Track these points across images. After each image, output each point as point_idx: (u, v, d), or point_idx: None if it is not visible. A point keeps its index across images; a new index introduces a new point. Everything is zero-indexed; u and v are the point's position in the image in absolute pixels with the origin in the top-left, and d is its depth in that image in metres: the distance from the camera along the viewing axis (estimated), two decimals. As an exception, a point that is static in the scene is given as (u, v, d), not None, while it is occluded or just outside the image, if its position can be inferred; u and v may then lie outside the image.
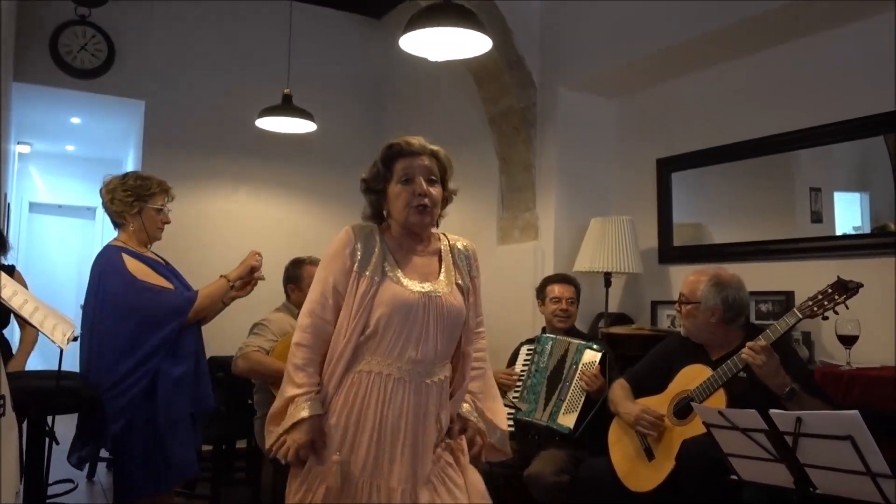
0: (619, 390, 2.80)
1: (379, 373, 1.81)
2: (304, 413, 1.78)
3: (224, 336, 3.07)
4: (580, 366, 3.08)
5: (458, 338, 1.95)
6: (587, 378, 3.00)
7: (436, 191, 1.91)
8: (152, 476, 2.55)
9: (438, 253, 1.99)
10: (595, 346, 3.13)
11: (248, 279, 2.79)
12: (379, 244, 1.91)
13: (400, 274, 1.88)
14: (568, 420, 3.00)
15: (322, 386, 1.85)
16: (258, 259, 2.79)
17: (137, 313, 2.53)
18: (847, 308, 2.32)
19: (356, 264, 1.87)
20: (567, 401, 3.05)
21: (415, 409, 1.81)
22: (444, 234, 2.05)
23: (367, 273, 1.86)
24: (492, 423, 1.99)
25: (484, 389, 2.02)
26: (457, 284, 1.94)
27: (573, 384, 3.06)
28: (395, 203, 1.91)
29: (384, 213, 1.98)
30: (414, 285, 1.86)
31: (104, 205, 2.72)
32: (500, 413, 2.04)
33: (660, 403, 2.63)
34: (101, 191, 2.73)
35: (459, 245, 2.03)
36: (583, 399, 3.01)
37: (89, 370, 2.60)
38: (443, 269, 1.95)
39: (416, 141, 1.94)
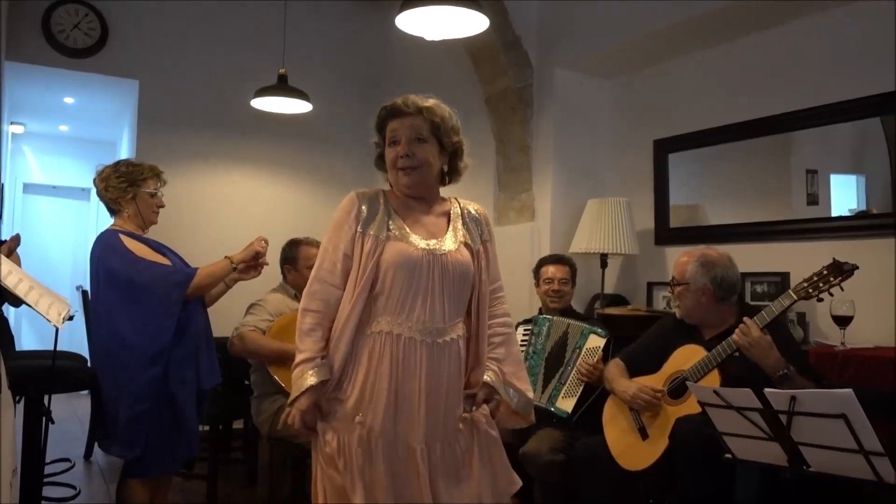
0: (615, 368, 2.82)
1: (390, 332, 1.80)
2: (311, 381, 1.77)
3: (221, 316, 3.07)
4: (583, 350, 3.08)
5: (469, 298, 1.92)
6: (588, 367, 2.98)
7: (423, 149, 1.89)
8: (164, 454, 2.59)
9: (447, 214, 1.98)
10: (600, 332, 3.10)
11: (252, 263, 2.81)
12: (383, 205, 1.92)
13: (406, 231, 1.88)
14: (566, 404, 3.01)
15: (329, 351, 1.84)
16: (264, 245, 2.82)
17: (139, 289, 2.56)
18: (842, 290, 2.33)
19: (360, 224, 1.88)
20: (567, 385, 3.05)
21: (428, 368, 1.79)
22: (456, 199, 2.04)
23: (372, 232, 1.86)
24: (516, 388, 1.96)
25: (508, 356, 1.98)
26: (465, 244, 1.92)
27: (574, 368, 3.06)
28: (388, 164, 1.94)
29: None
30: (419, 241, 1.86)
31: (99, 193, 2.76)
32: (525, 379, 2.01)
33: (654, 383, 2.64)
34: (94, 180, 2.77)
35: (471, 208, 2.03)
36: (582, 385, 3.01)
37: (100, 352, 2.62)
38: (450, 228, 1.94)
39: (408, 100, 1.91)
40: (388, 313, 1.81)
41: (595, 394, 2.94)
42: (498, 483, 1.90)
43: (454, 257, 1.87)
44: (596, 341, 3.08)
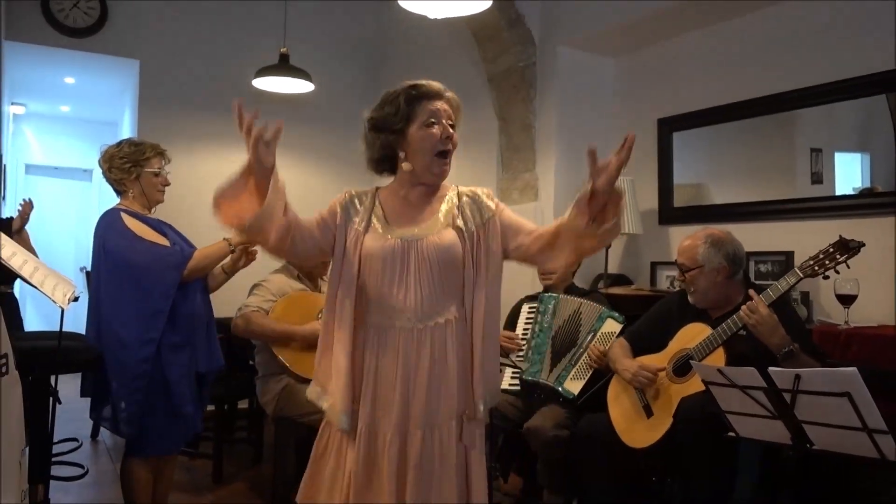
0: (618, 348, 2.82)
1: (373, 324, 1.81)
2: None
3: (224, 297, 3.08)
4: (598, 334, 3.08)
5: (460, 278, 1.83)
6: (598, 354, 2.97)
7: (455, 137, 1.87)
8: (160, 434, 2.63)
9: (441, 200, 1.91)
10: (617, 316, 3.09)
11: (250, 245, 2.81)
12: (370, 198, 1.89)
13: (384, 223, 1.85)
14: (574, 386, 3.02)
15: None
16: None
17: (137, 269, 2.58)
18: (848, 267, 2.32)
19: (341, 212, 1.87)
20: (577, 367, 3.06)
21: (405, 355, 1.77)
22: (455, 186, 1.96)
23: (355, 223, 1.85)
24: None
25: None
26: (453, 227, 1.85)
27: (586, 352, 3.06)
28: (419, 146, 1.84)
29: (399, 155, 1.87)
30: (394, 232, 1.83)
31: (104, 174, 2.77)
32: None
33: (659, 362, 2.65)
34: (98, 162, 2.78)
35: (470, 190, 1.94)
36: (592, 370, 3.01)
37: (98, 330, 2.64)
38: (440, 212, 1.88)
39: (437, 84, 1.88)
40: (372, 305, 1.82)
41: (604, 380, 2.93)
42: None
43: (432, 241, 1.81)
44: (612, 326, 3.07)
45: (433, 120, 1.83)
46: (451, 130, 1.84)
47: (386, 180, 1.99)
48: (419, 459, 1.74)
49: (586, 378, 3.02)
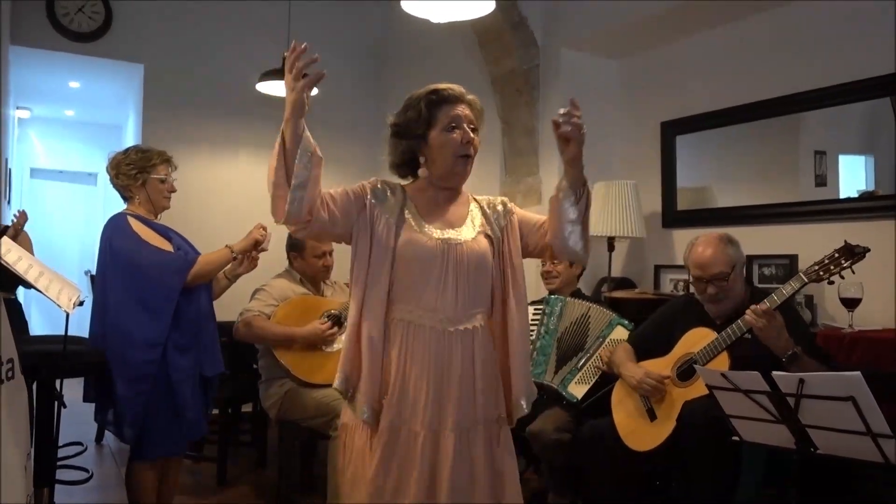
0: (623, 352, 2.82)
1: (402, 319, 1.80)
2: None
3: (226, 302, 3.09)
4: (607, 340, 3.08)
5: (489, 287, 1.87)
6: (605, 360, 2.97)
7: (476, 141, 1.89)
8: (164, 437, 2.64)
9: (467, 205, 1.94)
10: (626, 323, 3.10)
11: (251, 252, 2.84)
12: (400, 193, 1.89)
13: (421, 221, 1.85)
14: (578, 390, 3.02)
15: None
16: (263, 233, 2.83)
17: (141, 272, 2.61)
18: (853, 272, 2.32)
19: (371, 195, 1.85)
20: (583, 371, 3.06)
21: (437, 357, 1.77)
22: (469, 193, 1.98)
23: (385, 213, 1.83)
24: None
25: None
26: (484, 234, 1.88)
27: (594, 357, 3.06)
28: (439, 151, 1.85)
29: (420, 160, 1.89)
30: (434, 232, 1.84)
31: (111, 181, 2.81)
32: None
33: (664, 366, 2.65)
34: (106, 168, 2.82)
35: (489, 199, 1.98)
36: (598, 374, 3.02)
37: (104, 331, 2.66)
38: (469, 218, 1.90)
39: (459, 88, 1.90)
40: (404, 301, 1.81)
41: (609, 386, 2.92)
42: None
43: (470, 247, 1.83)
44: (621, 333, 3.07)
45: (454, 124, 1.84)
46: (471, 135, 1.86)
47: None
48: (453, 461, 1.74)
49: (591, 383, 3.01)
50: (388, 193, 1.88)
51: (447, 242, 1.82)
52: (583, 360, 3.08)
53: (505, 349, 1.87)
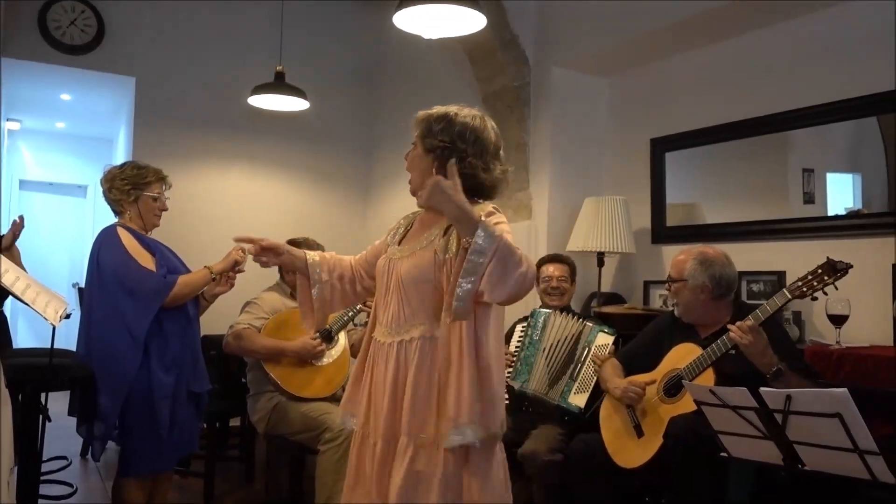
0: (610, 368, 2.83)
1: (374, 337, 1.96)
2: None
3: (216, 315, 3.08)
4: (593, 347, 3.11)
5: (435, 300, 1.81)
6: (601, 359, 3.00)
7: (410, 158, 1.95)
8: (151, 453, 2.62)
9: (443, 222, 1.90)
10: (607, 329, 3.15)
11: (230, 273, 2.85)
12: (410, 220, 2.04)
13: (395, 247, 1.98)
14: (579, 399, 3.03)
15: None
16: (241, 255, 2.83)
17: (125, 288, 2.61)
18: (836, 289, 2.33)
19: (388, 237, 2.05)
20: (578, 381, 3.08)
21: (395, 367, 1.84)
22: (481, 205, 1.87)
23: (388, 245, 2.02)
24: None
25: None
26: (431, 249, 1.84)
27: (585, 365, 3.09)
28: None
29: None
30: (392, 254, 1.95)
31: (104, 194, 2.82)
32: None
33: (650, 381, 2.65)
34: (101, 181, 2.83)
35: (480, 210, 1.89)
36: (594, 381, 3.03)
37: (88, 344, 2.66)
38: (426, 234, 1.89)
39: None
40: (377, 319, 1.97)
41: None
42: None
43: (406, 262, 1.88)
44: (604, 339, 3.12)
45: None
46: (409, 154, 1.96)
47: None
48: (379, 467, 1.82)
49: (590, 389, 3.04)
50: (401, 226, 2.04)
51: (390, 260, 1.93)
52: (576, 371, 3.10)
53: (461, 366, 1.76)
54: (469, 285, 1.62)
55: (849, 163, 3.36)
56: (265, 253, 2.02)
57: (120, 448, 2.70)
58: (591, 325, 3.20)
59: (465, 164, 1.83)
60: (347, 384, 2.03)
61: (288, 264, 2.07)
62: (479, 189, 1.89)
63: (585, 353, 3.12)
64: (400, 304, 1.86)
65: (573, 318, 3.25)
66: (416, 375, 1.80)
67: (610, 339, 3.11)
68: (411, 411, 1.78)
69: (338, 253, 2.16)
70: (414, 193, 1.93)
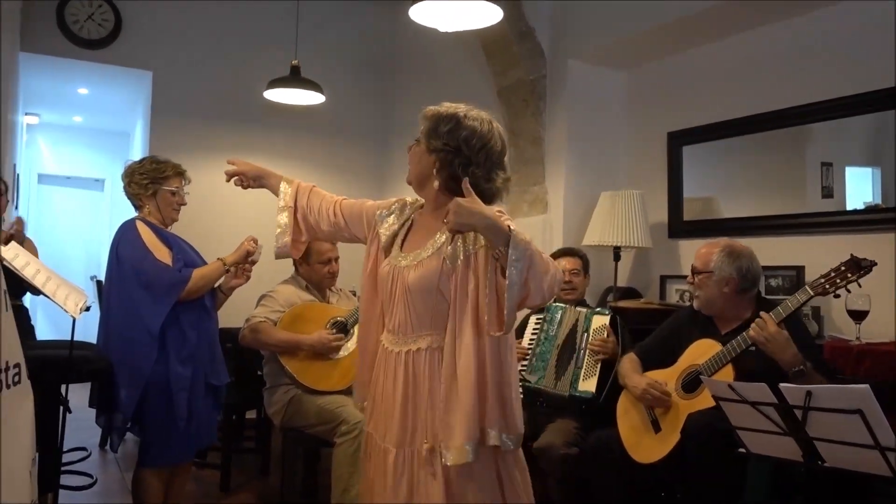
0: (628, 363, 2.82)
1: (380, 341, 1.96)
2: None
3: (232, 308, 3.09)
4: (591, 332, 3.12)
5: (442, 309, 1.80)
6: (599, 343, 3.05)
7: (413, 152, 1.92)
8: (170, 445, 2.65)
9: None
10: (601, 310, 3.18)
11: (243, 264, 2.85)
12: (406, 217, 1.99)
13: (396, 250, 1.95)
14: (588, 385, 3.04)
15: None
16: (253, 245, 2.84)
17: (141, 282, 2.62)
18: (860, 286, 2.31)
19: (379, 215, 2.02)
20: (584, 368, 3.08)
21: (403, 377, 1.84)
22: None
23: (381, 231, 1.99)
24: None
25: None
26: (438, 256, 1.82)
27: (587, 351, 3.10)
28: None
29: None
30: (397, 260, 1.91)
31: (124, 189, 2.84)
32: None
33: (668, 377, 2.64)
34: (121, 176, 2.84)
35: None
36: (599, 364, 3.05)
37: (107, 337, 2.69)
38: (431, 241, 1.86)
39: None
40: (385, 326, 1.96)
41: (614, 370, 2.95)
42: None
43: (412, 271, 1.84)
44: (600, 321, 3.14)
45: None
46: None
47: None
48: (393, 476, 1.81)
49: (597, 373, 3.04)
50: (394, 217, 1.99)
51: (395, 268, 1.89)
52: (579, 358, 3.11)
53: (474, 375, 1.75)
54: (515, 296, 1.59)
55: (868, 156, 3.33)
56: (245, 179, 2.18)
57: (140, 440, 2.72)
58: (584, 310, 3.22)
59: (467, 171, 1.81)
60: (356, 380, 2.05)
61: (262, 181, 2.18)
62: (450, 181, 1.85)
63: (584, 339, 3.13)
64: (407, 312, 1.85)
65: (574, 309, 3.26)
66: (427, 386, 1.80)
67: (605, 320, 3.14)
68: (422, 422, 1.80)
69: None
70: (409, 184, 1.95)
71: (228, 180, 2.20)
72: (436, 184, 1.86)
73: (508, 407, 1.79)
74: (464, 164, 1.81)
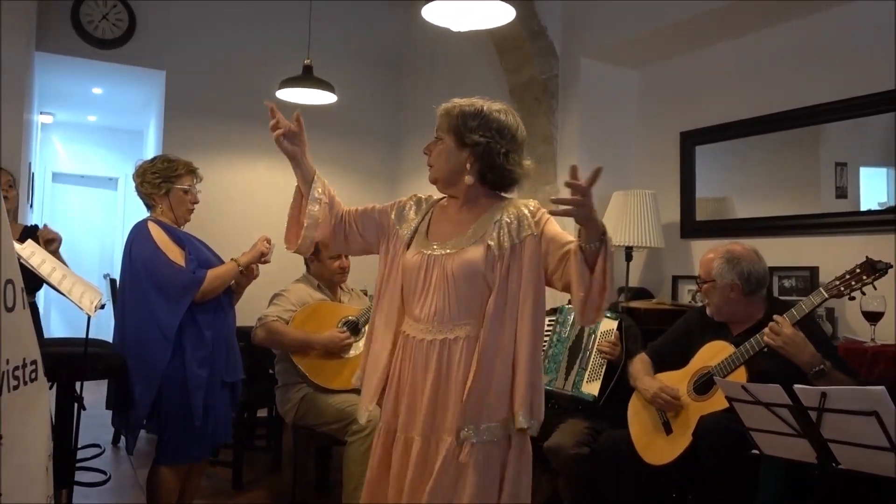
0: (640, 365, 2.81)
1: (403, 331, 1.92)
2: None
3: (244, 306, 3.11)
4: (597, 335, 3.12)
5: (482, 297, 1.82)
6: (606, 346, 3.04)
7: (436, 147, 1.91)
8: (186, 442, 2.66)
9: (486, 211, 1.90)
10: (609, 315, 3.16)
11: (257, 263, 2.86)
12: (425, 211, 1.99)
13: (422, 239, 1.93)
14: (591, 388, 3.03)
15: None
16: (267, 246, 2.84)
17: (155, 284, 2.63)
18: (875, 288, 2.29)
19: (395, 214, 2.00)
20: (589, 369, 3.08)
21: (415, 366, 1.85)
22: (513, 200, 1.93)
23: (403, 231, 1.96)
24: None
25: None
26: (481, 244, 1.84)
27: (593, 353, 3.09)
28: None
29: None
30: (427, 248, 1.90)
31: (136, 189, 2.84)
32: None
33: (680, 379, 2.63)
34: (133, 175, 2.85)
35: (517, 207, 1.90)
36: (604, 367, 3.04)
37: (122, 336, 2.70)
38: (473, 227, 1.88)
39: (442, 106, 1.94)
40: (407, 314, 1.92)
41: (618, 373, 2.95)
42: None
43: (453, 258, 1.84)
44: (608, 324, 3.12)
45: None
46: (427, 149, 1.94)
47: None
48: (416, 466, 1.81)
49: (601, 377, 3.03)
50: (413, 212, 1.99)
51: (429, 256, 1.88)
52: (584, 359, 3.10)
53: (508, 362, 1.81)
54: (609, 286, 1.68)
55: (883, 156, 3.30)
56: (290, 135, 2.01)
57: (157, 437, 2.74)
58: None
59: (507, 160, 1.86)
60: (364, 378, 1.96)
61: (298, 159, 2.00)
62: (511, 184, 1.93)
63: (591, 340, 3.12)
64: (446, 299, 1.83)
65: None
66: (460, 376, 1.80)
67: (614, 325, 3.11)
68: (455, 409, 1.79)
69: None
70: (434, 182, 1.94)
71: (274, 117, 2.04)
72: (467, 178, 1.87)
73: (538, 393, 1.84)
74: (503, 153, 1.86)
